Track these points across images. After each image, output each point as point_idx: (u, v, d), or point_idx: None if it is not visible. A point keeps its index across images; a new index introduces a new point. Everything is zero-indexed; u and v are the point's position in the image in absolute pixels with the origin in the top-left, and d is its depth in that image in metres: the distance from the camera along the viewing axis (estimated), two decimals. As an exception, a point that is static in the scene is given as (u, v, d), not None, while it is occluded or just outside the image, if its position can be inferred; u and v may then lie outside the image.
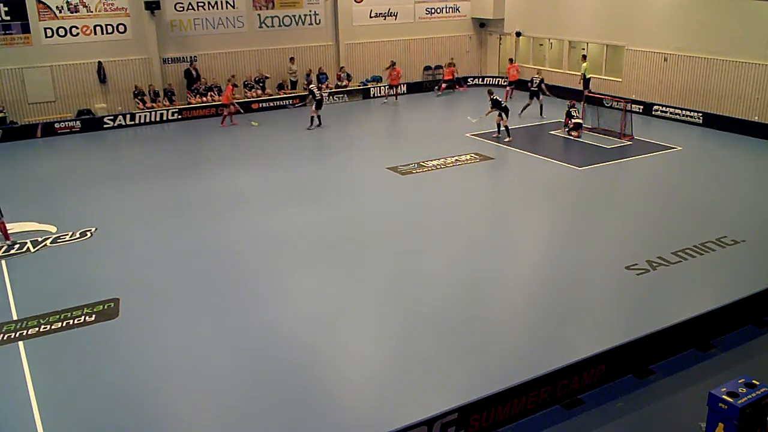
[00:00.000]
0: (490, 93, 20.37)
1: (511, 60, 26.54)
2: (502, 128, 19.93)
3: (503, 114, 19.81)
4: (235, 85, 23.46)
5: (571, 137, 20.34)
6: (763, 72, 20.11)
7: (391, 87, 26.36)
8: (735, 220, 13.33)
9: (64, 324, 9.86)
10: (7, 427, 7.66)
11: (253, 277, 11.37)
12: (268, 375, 8.55)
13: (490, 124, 20.52)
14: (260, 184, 16.42)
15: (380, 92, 27.33)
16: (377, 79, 27.99)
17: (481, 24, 30.07)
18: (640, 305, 10.10)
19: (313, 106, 21.87)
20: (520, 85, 25.22)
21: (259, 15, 25.44)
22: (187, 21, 24.29)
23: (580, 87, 24.48)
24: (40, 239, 13.13)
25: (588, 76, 24.57)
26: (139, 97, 23.46)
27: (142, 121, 23.20)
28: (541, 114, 23.02)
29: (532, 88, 23.26)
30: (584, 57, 25.46)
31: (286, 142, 20.79)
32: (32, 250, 12.69)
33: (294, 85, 26.13)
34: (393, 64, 26.13)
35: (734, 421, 6.45)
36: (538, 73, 23.85)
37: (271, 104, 25.21)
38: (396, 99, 26.57)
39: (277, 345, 9.22)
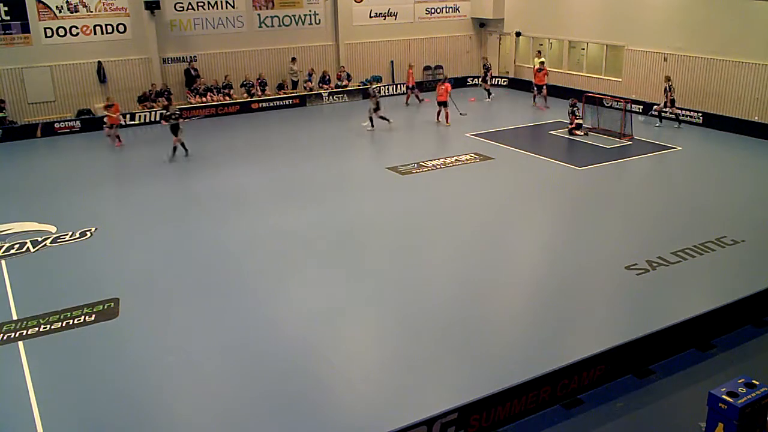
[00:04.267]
0: (371, 83, 21.64)
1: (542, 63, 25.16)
2: (374, 119, 21.28)
3: (373, 108, 21.15)
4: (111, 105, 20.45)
5: (574, 137, 20.32)
6: (762, 72, 20.11)
7: (409, 88, 26.06)
8: (735, 220, 13.33)
9: (64, 324, 9.86)
10: (7, 427, 7.66)
11: (253, 276, 11.37)
12: (268, 375, 8.55)
13: (491, 123, 20.54)
14: (261, 184, 16.43)
15: (380, 92, 27.31)
16: (377, 79, 27.99)
17: (481, 24, 30.07)
18: (640, 305, 10.10)
19: (175, 134, 18.55)
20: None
21: (258, 15, 25.45)
22: (187, 21, 24.30)
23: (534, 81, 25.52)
24: (40, 239, 13.13)
25: (540, 70, 25.16)
26: (144, 103, 23.46)
27: (142, 120, 23.21)
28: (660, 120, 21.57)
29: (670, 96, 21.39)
30: (539, 53, 26.03)
31: (287, 141, 20.81)
32: (32, 250, 12.69)
33: (295, 85, 26.14)
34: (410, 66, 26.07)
35: (734, 421, 6.45)
36: (667, 81, 21.27)
37: (271, 104, 25.23)
38: (418, 100, 25.92)
39: (276, 344, 9.22)
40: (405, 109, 25.22)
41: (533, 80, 25.21)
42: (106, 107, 20.49)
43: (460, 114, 22.49)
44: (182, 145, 18.80)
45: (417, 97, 26.09)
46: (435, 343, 9.20)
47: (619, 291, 10.61)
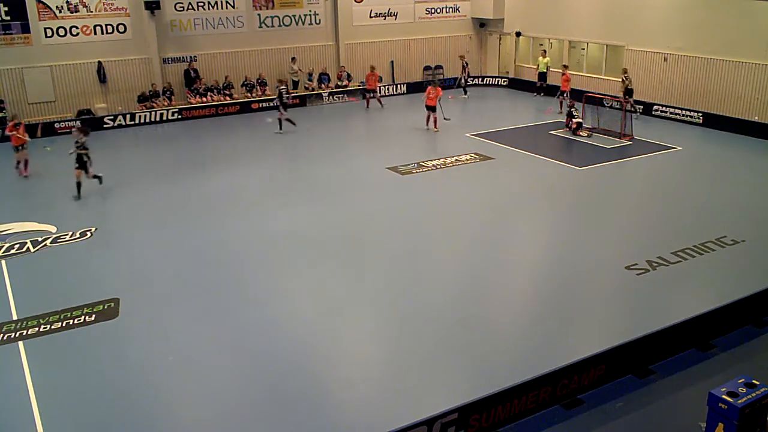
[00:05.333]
0: (281, 83, 21.91)
1: (565, 66, 24.38)
2: (284, 122, 21.34)
3: (281, 108, 21.32)
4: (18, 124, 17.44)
5: (579, 137, 20.28)
6: (762, 72, 20.12)
7: (369, 92, 25.38)
8: (735, 220, 13.33)
9: (64, 324, 9.86)
10: (7, 427, 7.66)
11: (253, 276, 11.37)
12: (268, 375, 8.55)
13: (491, 123, 20.48)
14: (260, 184, 16.43)
15: (380, 92, 27.27)
16: (377, 79, 27.95)
17: (481, 24, 30.08)
18: (640, 305, 10.10)
19: (82, 167, 15.54)
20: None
21: (258, 15, 25.45)
22: (187, 21, 24.30)
23: (536, 81, 26.03)
24: (40, 239, 13.13)
25: (544, 71, 25.52)
26: (143, 103, 23.47)
27: (142, 121, 23.22)
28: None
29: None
30: (544, 52, 26.06)
31: (286, 142, 20.80)
32: (32, 250, 12.69)
33: (295, 85, 26.13)
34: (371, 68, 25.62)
35: (734, 421, 6.45)
36: (624, 73, 22.53)
37: (271, 104, 25.21)
38: (367, 105, 25.37)
39: (277, 345, 9.22)
40: (390, 111, 25.20)
41: (560, 86, 24.01)
42: (14, 126, 17.30)
43: (445, 119, 22.07)
44: (95, 177, 15.75)
45: (378, 101, 25.26)
46: (435, 343, 9.20)
47: (619, 291, 10.61)
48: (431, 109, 20.97)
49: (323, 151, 19.65)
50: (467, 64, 27.31)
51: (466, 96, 26.74)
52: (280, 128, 21.46)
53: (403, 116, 24.35)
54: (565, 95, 23.35)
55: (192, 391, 8.31)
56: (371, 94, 25.35)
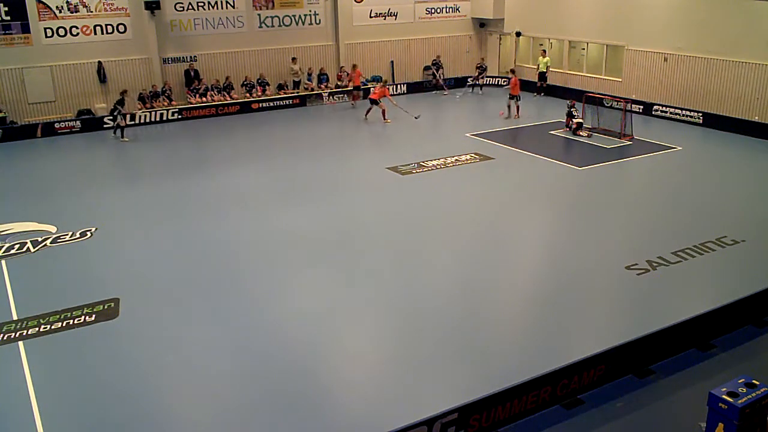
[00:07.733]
0: (121, 96, 21.40)
1: (512, 71, 23.75)
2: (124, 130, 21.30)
3: (115, 119, 21.25)
4: None
5: (579, 137, 20.27)
6: (763, 72, 20.11)
7: (354, 89, 25.82)
8: (735, 220, 13.33)
9: (64, 324, 9.86)
10: (7, 427, 7.66)
11: (253, 277, 11.37)
12: (268, 375, 8.55)
13: (491, 123, 20.40)
14: (261, 184, 16.43)
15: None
16: (377, 79, 27.96)
17: (481, 24, 30.07)
18: (640, 305, 10.10)
19: None
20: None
21: (259, 15, 25.44)
22: (187, 21, 24.29)
23: (536, 80, 26.29)
24: (40, 239, 13.13)
25: (544, 71, 25.83)
26: (141, 102, 23.45)
27: (142, 121, 23.20)
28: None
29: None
30: (544, 52, 26.18)
31: (287, 141, 20.80)
32: (32, 250, 12.69)
33: (296, 85, 26.12)
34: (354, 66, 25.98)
35: (734, 421, 6.45)
36: (482, 60, 24.96)
37: (271, 104, 25.23)
38: (353, 103, 25.84)
39: (277, 345, 9.22)
40: (389, 111, 25.17)
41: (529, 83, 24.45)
42: None
43: (415, 118, 22.86)
44: None
45: (353, 99, 25.71)
46: (435, 343, 9.20)
47: (619, 291, 10.62)
48: (373, 102, 22.86)
49: (323, 151, 19.64)
50: (441, 65, 28.24)
51: (445, 93, 27.71)
52: (118, 135, 21.36)
53: (402, 116, 24.34)
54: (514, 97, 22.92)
55: (192, 391, 8.31)
56: (357, 92, 25.97)
